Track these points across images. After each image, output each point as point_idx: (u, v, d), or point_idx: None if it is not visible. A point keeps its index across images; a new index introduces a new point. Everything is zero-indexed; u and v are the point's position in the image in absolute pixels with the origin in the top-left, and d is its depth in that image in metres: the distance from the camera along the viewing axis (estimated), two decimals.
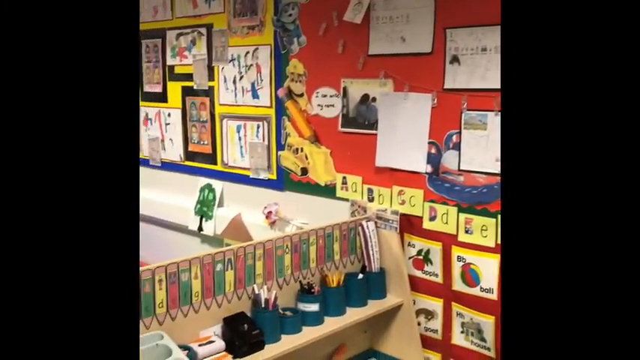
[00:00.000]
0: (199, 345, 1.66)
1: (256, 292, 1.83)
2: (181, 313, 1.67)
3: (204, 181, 3.05)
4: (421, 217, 2.13)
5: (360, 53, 2.26)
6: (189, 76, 3.02)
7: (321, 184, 2.47)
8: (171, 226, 3.26)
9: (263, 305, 1.81)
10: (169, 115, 3.19)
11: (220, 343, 1.69)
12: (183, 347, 1.60)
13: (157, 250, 3.36)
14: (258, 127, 2.71)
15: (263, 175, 2.72)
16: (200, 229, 3.01)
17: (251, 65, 2.69)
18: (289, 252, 1.96)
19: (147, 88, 3.30)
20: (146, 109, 3.33)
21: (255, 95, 2.70)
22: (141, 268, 1.58)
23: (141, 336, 1.54)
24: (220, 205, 2.96)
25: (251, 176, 2.78)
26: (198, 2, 2.90)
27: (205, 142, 3.00)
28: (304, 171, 2.54)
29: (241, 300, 1.82)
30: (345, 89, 2.33)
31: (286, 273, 1.95)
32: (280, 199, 2.65)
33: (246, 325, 1.75)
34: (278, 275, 1.93)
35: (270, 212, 2.61)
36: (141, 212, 3.46)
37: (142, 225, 3.49)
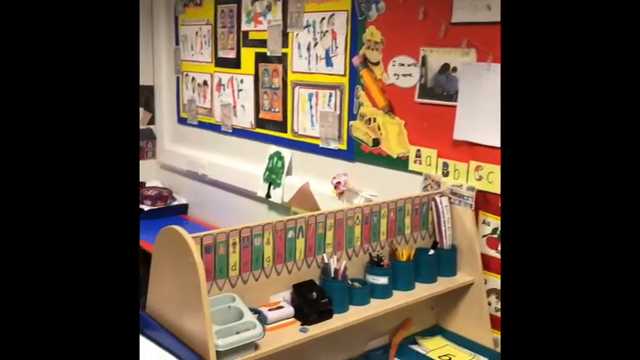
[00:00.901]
0: (269, 310, 1.67)
1: (326, 261, 1.82)
2: (253, 277, 1.69)
3: (273, 148, 3.06)
4: (499, 195, 2.04)
5: (442, 21, 2.15)
6: (263, 42, 3.00)
7: (393, 156, 2.42)
8: (240, 191, 3.31)
9: (332, 275, 1.80)
10: (242, 81, 3.20)
11: (289, 309, 1.70)
12: (254, 311, 1.61)
13: (226, 215, 3.43)
14: (330, 95, 2.67)
15: (333, 145, 2.69)
16: (268, 196, 3.04)
17: (326, 32, 2.64)
18: (359, 223, 1.93)
19: (221, 54, 3.32)
20: (220, 74, 3.36)
21: (328, 63, 2.65)
22: (216, 231, 1.60)
23: (214, 297, 1.57)
24: (289, 173, 2.97)
25: (320, 145, 2.76)
26: None
27: (276, 110, 2.99)
28: (376, 142, 2.48)
29: (310, 268, 1.82)
30: (424, 58, 2.24)
31: (356, 244, 1.93)
32: (349, 170, 2.61)
33: (315, 293, 1.74)
34: (347, 246, 1.91)
35: (338, 183, 2.58)
36: (211, 177, 3.53)
37: (212, 189, 3.57)
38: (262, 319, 1.61)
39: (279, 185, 2.98)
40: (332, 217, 1.85)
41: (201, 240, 1.55)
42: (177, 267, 1.49)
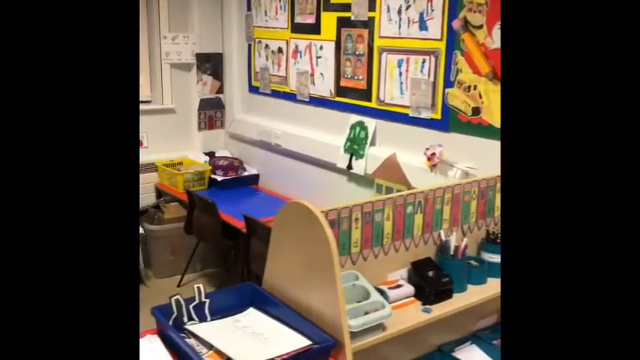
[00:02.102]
0: (389, 288, 1.59)
1: (443, 238, 1.72)
2: (372, 253, 1.61)
3: (355, 118, 2.95)
4: None
5: None
6: (346, 7, 2.87)
7: (495, 125, 2.27)
8: (315, 162, 3.22)
9: (452, 252, 1.70)
10: (321, 47, 3.08)
11: (409, 288, 1.62)
12: (376, 289, 1.53)
13: (300, 186, 3.36)
14: (423, 61, 2.52)
15: (424, 114, 2.56)
16: (349, 167, 2.95)
17: None
18: (476, 198, 1.82)
19: (298, 20, 3.20)
20: (296, 41, 3.25)
21: (423, 27, 2.50)
22: (340, 205, 1.51)
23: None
24: (372, 144, 2.86)
25: (410, 115, 2.63)
26: None
27: (360, 77, 2.87)
28: (476, 111, 2.34)
29: (427, 245, 1.73)
30: None
31: (471, 220, 1.82)
32: (443, 141, 2.48)
33: (432, 272, 1.65)
34: (463, 222, 1.80)
35: (433, 154, 2.46)
36: (285, 147, 3.45)
37: (285, 160, 3.50)
38: (385, 298, 1.53)
39: (361, 156, 2.88)
40: (450, 191, 1.74)
41: (326, 215, 1.47)
42: (304, 242, 1.42)
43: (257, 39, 3.58)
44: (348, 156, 2.96)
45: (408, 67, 2.60)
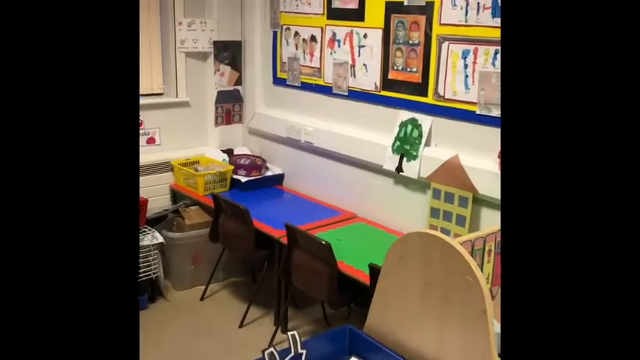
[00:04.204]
0: None
1: None
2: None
3: (406, 114, 2.65)
4: None
5: None
6: None
7: None
8: (357, 163, 2.93)
9: None
10: (365, 35, 2.76)
11: None
12: None
13: (339, 189, 3.06)
14: (495, 52, 2.23)
15: (496, 112, 2.28)
16: (399, 169, 2.65)
17: None
18: None
19: (336, 4, 2.88)
20: (334, 28, 2.93)
21: (496, 13, 2.20)
22: (474, 236, 1.22)
23: None
24: (427, 144, 2.57)
25: (477, 112, 2.34)
26: None
27: (414, 70, 2.57)
28: None
29: None
30: None
31: None
32: None
33: None
34: None
35: None
36: (319, 146, 3.10)
37: (320, 160, 3.19)
38: None
39: (415, 158, 2.59)
40: None
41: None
42: (439, 284, 1.12)
43: (285, 26, 3.24)
44: (397, 157, 2.66)
45: (475, 58, 2.31)
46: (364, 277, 2.22)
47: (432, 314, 1.16)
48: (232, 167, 3.37)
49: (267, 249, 2.81)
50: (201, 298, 3.10)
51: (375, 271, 2.05)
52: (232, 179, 3.35)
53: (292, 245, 2.55)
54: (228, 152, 3.63)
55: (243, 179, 3.33)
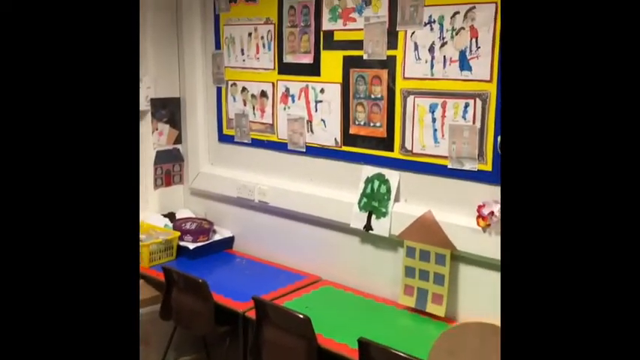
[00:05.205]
0: None
1: None
2: None
3: (370, 170, 2.55)
4: None
5: None
6: (355, 44, 2.49)
7: None
8: (318, 222, 2.77)
9: None
10: (322, 90, 2.66)
11: None
12: None
13: (299, 251, 2.87)
14: (466, 105, 2.20)
15: (469, 166, 2.23)
16: (369, 227, 2.53)
17: (461, 29, 2.17)
18: None
19: (289, 59, 2.77)
20: (286, 83, 2.81)
21: (464, 66, 2.18)
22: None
23: None
24: (396, 199, 2.47)
25: (449, 166, 2.28)
26: None
27: (377, 124, 2.48)
28: None
29: None
30: None
31: None
32: (494, 195, 2.16)
33: None
34: None
35: (491, 212, 2.12)
36: (276, 205, 2.92)
37: (275, 220, 2.99)
38: None
39: (384, 215, 2.48)
40: None
41: None
42: None
43: (230, 81, 3.08)
44: (365, 214, 2.54)
45: (444, 112, 2.26)
46: (350, 353, 2.03)
47: None
48: (178, 233, 3.08)
49: (229, 324, 2.54)
50: None
51: (366, 347, 1.87)
52: (179, 246, 3.06)
53: (261, 320, 2.32)
54: (170, 216, 3.34)
55: (191, 246, 3.05)
